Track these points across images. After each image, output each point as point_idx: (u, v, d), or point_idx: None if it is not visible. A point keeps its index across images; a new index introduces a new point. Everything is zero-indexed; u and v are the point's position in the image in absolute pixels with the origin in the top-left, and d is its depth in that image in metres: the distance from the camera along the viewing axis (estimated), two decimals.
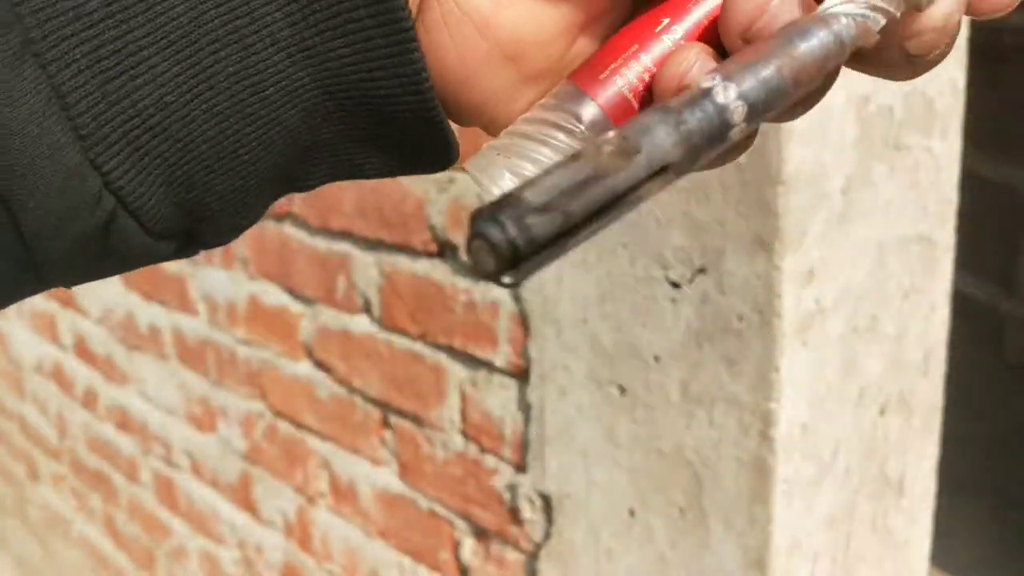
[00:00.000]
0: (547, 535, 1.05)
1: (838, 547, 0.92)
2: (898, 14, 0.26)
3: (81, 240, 0.23)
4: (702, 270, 0.83)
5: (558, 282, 0.96)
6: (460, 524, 1.19)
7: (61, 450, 2.20)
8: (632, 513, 0.94)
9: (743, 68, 0.24)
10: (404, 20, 0.23)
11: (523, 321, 1.01)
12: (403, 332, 1.19)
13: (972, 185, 1.29)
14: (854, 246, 0.84)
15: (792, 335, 0.80)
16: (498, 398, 1.08)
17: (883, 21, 0.26)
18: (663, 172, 0.21)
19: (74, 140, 0.22)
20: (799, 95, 0.26)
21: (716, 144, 0.23)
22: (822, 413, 0.85)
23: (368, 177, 0.28)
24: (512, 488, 1.08)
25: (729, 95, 0.23)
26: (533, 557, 1.08)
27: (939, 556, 1.38)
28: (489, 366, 1.08)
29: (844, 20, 0.26)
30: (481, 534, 1.16)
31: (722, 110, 0.23)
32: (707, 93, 0.23)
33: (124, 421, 1.89)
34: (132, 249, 0.25)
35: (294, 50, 0.23)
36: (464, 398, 1.13)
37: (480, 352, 1.08)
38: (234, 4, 0.22)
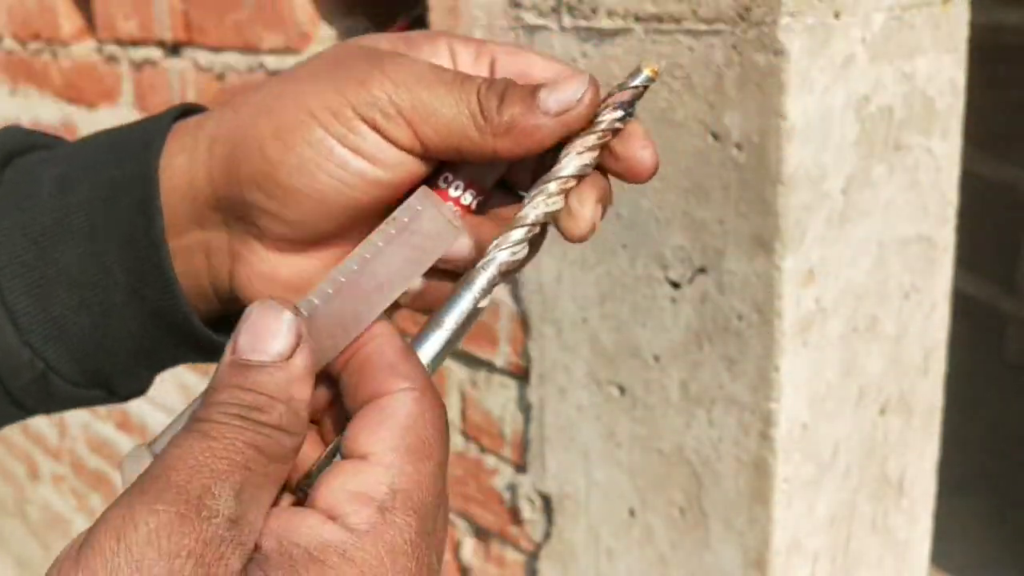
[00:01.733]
0: (547, 535, 1.05)
1: (838, 547, 0.92)
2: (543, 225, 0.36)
3: (33, 382, 0.40)
4: (702, 270, 0.83)
5: (558, 282, 0.96)
6: (460, 524, 1.19)
7: (61, 450, 2.20)
8: (632, 513, 0.94)
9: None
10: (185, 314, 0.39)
11: (523, 321, 1.01)
12: (403, 332, 1.18)
13: (972, 185, 1.29)
14: (854, 246, 0.84)
15: (792, 335, 0.80)
16: (498, 398, 1.08)
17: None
18: None
19: (14, 329, 0.38)
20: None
21: None
22: (822, 413, 0.85)
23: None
24: (512, 488, 1.08)
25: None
26: (533, 557, 1.08)
27: (939, 556, 1.38)
28: (489, 366, 1.08)
29: (485, 275, 0.35)
30: (481, 534, 1.16)
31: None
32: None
33: (124, 421, 1.89)
34: (68, 394, 0.41)
35: (135, 299, 0.38)
36: (464, 398, 1.13)
37: (480, 352, 1.08)
38: (90, 263, 0.38)
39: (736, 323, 0.81)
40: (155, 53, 1.49)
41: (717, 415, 0.84)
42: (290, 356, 0.29)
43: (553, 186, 0.34)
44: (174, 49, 1.45)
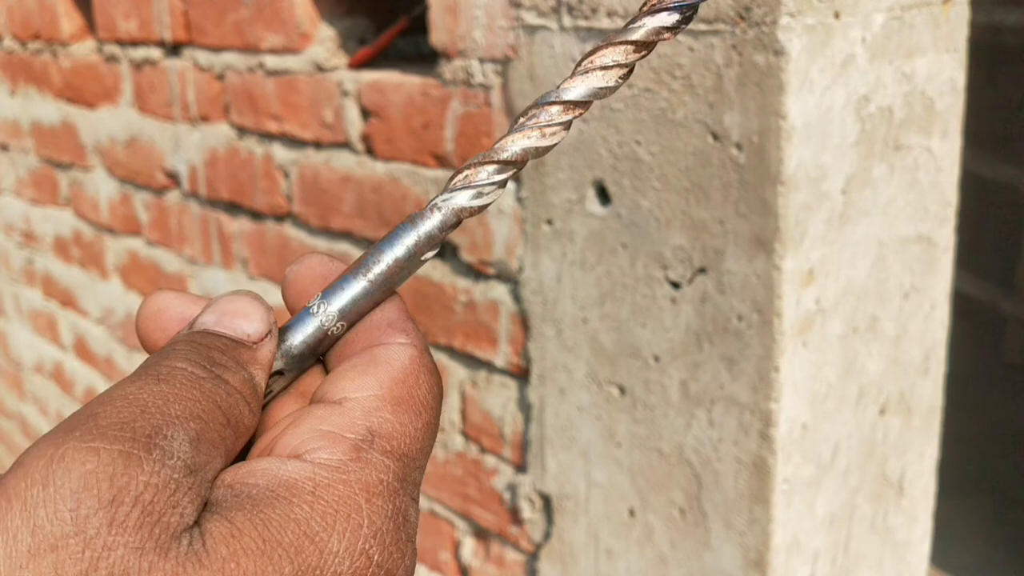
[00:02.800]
0: (547, 535, 1.05)
1: (838, 547, 0.92)
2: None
3: None
4: (702, 270, 0.83)
5: (558, 282, 0.96)
6: (460, 524, 1.19)
7: None
8: (632, 513, 0.94)
9: (337, 287, 0.29)
10: None
11: (523, 321, 1.01)
12: None
13: (972, 185, 1.29)
14: (854, 246, 0.84)
15: (792, 335, 0.80)
16: (498, 398, 1.08)
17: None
18: (277, 375, 0.29)
19: None
20: (399, 286, 0.30)
21: (321, 349, 0.30)
22: (822, 413, 0.85)
23: None
24: (512, 488, 1.08)
25: (327, 312, 0.29)
26: (533, 557, 1.08)
27: (939, 556, 1.38)
28: (489, 366, 1.08)
29: (435, 214, 0.30)
30: (481, 534, 1.16)
31: (319, 326, 0.29)
32: (305, 312, 0.29)
33: None
34: None
35: None
36: (464, 398, 1.13)
37: (480, 352, 1.08)
38: None
39: (736, 323, 0.81)
40: (155, 53, 1.49)
41: (717, 415, 0.84)
42: (258, 342, 0.28)
43: (555, 110, 0.29)
44: (174, 49, 1.45)
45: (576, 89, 0.28)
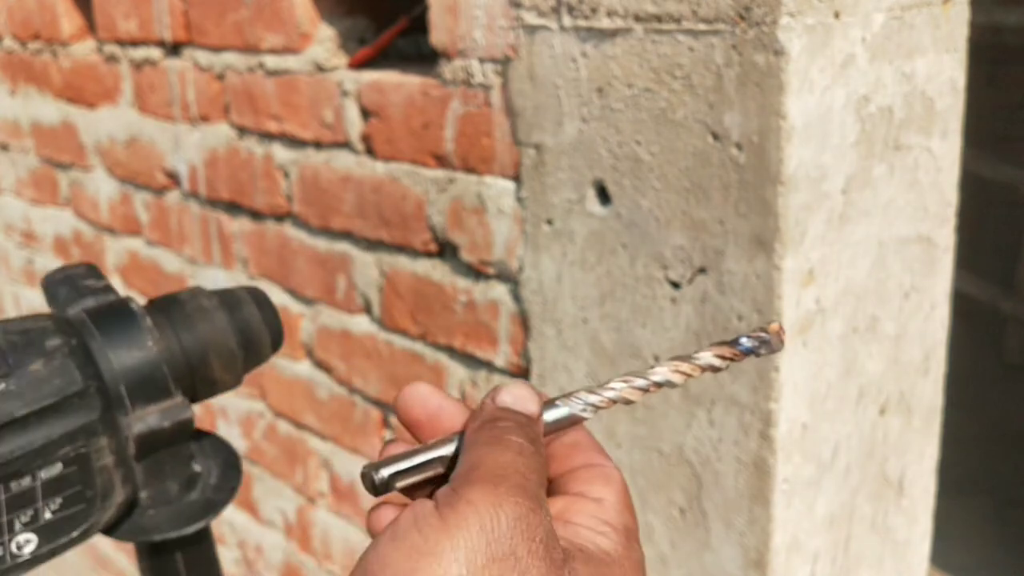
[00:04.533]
0: None
1: (838, 547, 0.92)
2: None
3: None
4: (702, 270, 0.83)
5: (558, 282, 0.96)
6: None
7: None
8: None
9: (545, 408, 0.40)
10: None
11: (523, 321, 1.01)
12: (403, 332, 1.19)
13: (972, 185, 1.29)
14: (854, 246, 0.84)
15: (792, 335, 0.80)
16: None
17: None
18: None
19: None
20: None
21: None
22: (822, 413, 0.85)
23: None
24: None
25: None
26: None
27: (939, 556, 1.38)
28: (489, 366, 1.08)
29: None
30: None
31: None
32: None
33: None
34: None
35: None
36: (464, 398, 1.13)
37: (480, 352, 1.08)
38: None
39: (736, 323, 0.81)
40: (155, 53, 1.49)
41: (717, 415, 0.84)
42: (535, 414, 0.38)
43: (640, 382, 0.41)
44: (174, 49, 1.45)
45: (658, 374, 0.41)
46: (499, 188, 1.00)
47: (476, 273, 1.06)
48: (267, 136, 1.31)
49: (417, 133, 1.08)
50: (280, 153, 1.30)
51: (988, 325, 2.79)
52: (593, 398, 0.40)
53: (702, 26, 0.77)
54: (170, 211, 1.58)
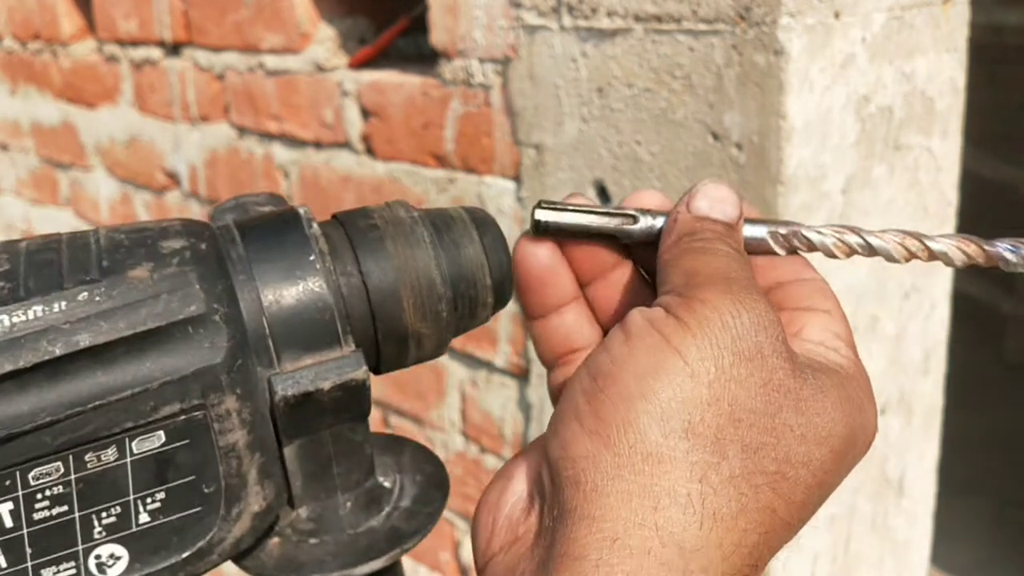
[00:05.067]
0: None
1: (838, 547, 0.92)
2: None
3: None
4: None
5: None
6: (460, 524, 1.19)
7: None
8: None
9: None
10: None
11: (523, 321, 1.01)
12: None
13: (972, 185, 1.29)
14: None
15: None
16: (498, 398, 1.08)
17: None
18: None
19: None
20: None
21: None
22: None
23: None
24: None
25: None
26: None
27: (939, 556, 1.38)
28: (489, 366, 1.08)
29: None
30: None
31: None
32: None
33: None
34: None
35: None
36: (464, 398, 1.13)
37: (480, 352, 1.08)
38: None
39: None
40: (155, 53, 1.49)
41: None
42: (737, 223, 0.36)
43: (855, 239, 0.37)
44: (174, 49, 1.45)
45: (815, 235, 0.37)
46: (499, 188, 1.00)
47: None
48: (267, 136, 1.31)
49: (417, 133, 1.08)
50: (280, 153, 1.30)
51: (988, 325, 2.79)
52: (789, 229, 0.36)
53: (702, 26, 0.77)
54: (170, 211, 1.58)
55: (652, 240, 0.36)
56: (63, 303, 0.30)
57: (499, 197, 1.00)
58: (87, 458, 0.29)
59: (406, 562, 1.27)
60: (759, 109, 0.75)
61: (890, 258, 0.36)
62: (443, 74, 1.02)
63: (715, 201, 0.35)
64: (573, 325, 0.37)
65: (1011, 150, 2.80)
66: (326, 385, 0.33)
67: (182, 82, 1.45)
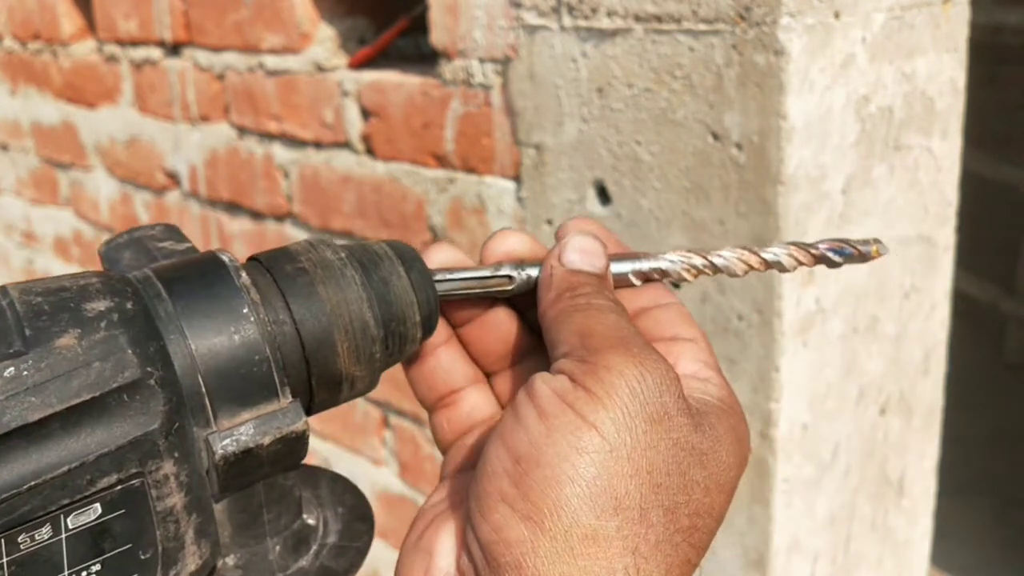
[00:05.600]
0: None
1: (838, 547, 0.92)
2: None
3: None
4: None
5: None
6: None
7: None
8: None
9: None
10: None
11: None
12: None
13: (972, 185, 1.29)
14: None
15: (792, 335, 0.80)
16: None
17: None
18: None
19: None
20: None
21: None
22: (822, 413, 0.85)
23: None
24: None
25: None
26: None
27: (939, 556, 1.38)
28: None
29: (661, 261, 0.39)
30: None
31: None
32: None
33: None
34: None
35: None
36: None
37: None
38: None
39: (736, 323, 0.81)
40: (155, 53, 1.49)
41: None
42: (606, 274, 0.37)
43: (697, 260, 0.39)
44: (174, 49, 1.45)
45: (771, 252, 0.39)
46: (499, 188, 1.00)
47: None
48: (267, 136, 1.31)
49: (417, 133, 1.08)
50: (280, 153, 1.30)
51: (988, 325, 2.79)
52: (647, 264, 0.38)
53: (702, 26, 0.77)
54: (170, 211, 1.58)
55: (527, 291, 0.37)
56: None
57: (499, 197, 1.00)
58: (20, 540, 0.28)
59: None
60: (759, 109, 0.75)
61: (732, 273, 0.39)
62: (443, 74, 1.02)
63: (585, 254, 0.37)
64: (448, 365, 0.39)
65: (1011, 150, 2.80)
66: (266, 440, 0.32)
67: (182, 82, 1.45)
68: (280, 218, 1.33)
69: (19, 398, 0.28)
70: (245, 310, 0.32)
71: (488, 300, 0.38)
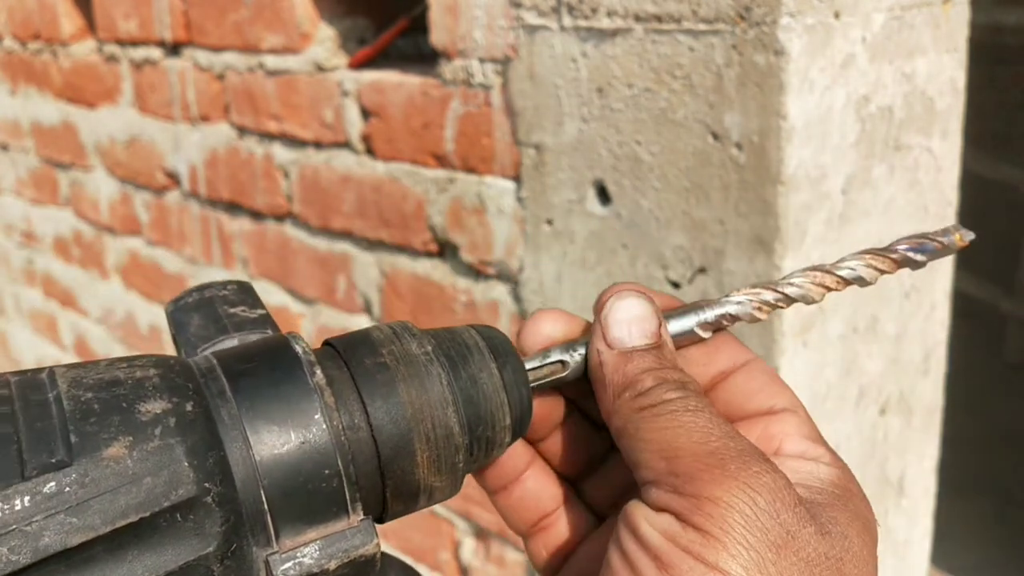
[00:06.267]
0: None
1: None
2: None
3: None
4: (702, 270, 0.83)
5: (558, 282, 0.96)
6: (460, 524, 1.19)
7: None
8: None
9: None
10: None
11: (523, 321, 1.01)
12: None
13: (972, 185, 1.29)
14: (854, 246, 0.84)
15: (792, 335, 0.80)
16: None
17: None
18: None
19: None
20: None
21: None
22: (822, 413, 0.85)
23: None
24: None
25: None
26: None
27: (939, 556, 1.38)
28: None
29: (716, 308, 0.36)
30: (481, 534, 1.16)
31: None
32: None
33: None
34: None
35: None
36: None
37: None
38: None
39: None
40: (155, 53, 1.49)
41: None
42: (661, 340, 0.32)
43: (769, 295, 0.35)
44: (174, 49, 1.45)
45: (846, 270, 0.35)
46: (499, 188, 1.00)
47: (476, 273, 1.06)
48: (267, 136, 1.31)
49: (417, 133, 1.08)
50: (280, 153, 1.30)
51: (988, 325, 2.79)
52: (711, 312, 0.34)
53: (702, 26, 0.77)
54: (170, 211, 1.58)
55: (580, 376, 0.34)
56: (26, 499, 0.24)
57: (499, 197, 1.00)
58: None
59: (407, 562, 1.27)
60: (759, 109, 0.75)
61: (810, 301, 0.35)
62: (443, 74, 1.02)
63: (633, 323, 0.32)
64: (537, 490, 0.36)
65: (1011, 150, 2.80)
66: (332, 565, 0.29)
67: (182, 82, 1.45)
68: (280, 218, 1.33)
69: (59, 518, 0.25)
70: (317, 416, 0.29)
71: (554, 405, 0.35)
